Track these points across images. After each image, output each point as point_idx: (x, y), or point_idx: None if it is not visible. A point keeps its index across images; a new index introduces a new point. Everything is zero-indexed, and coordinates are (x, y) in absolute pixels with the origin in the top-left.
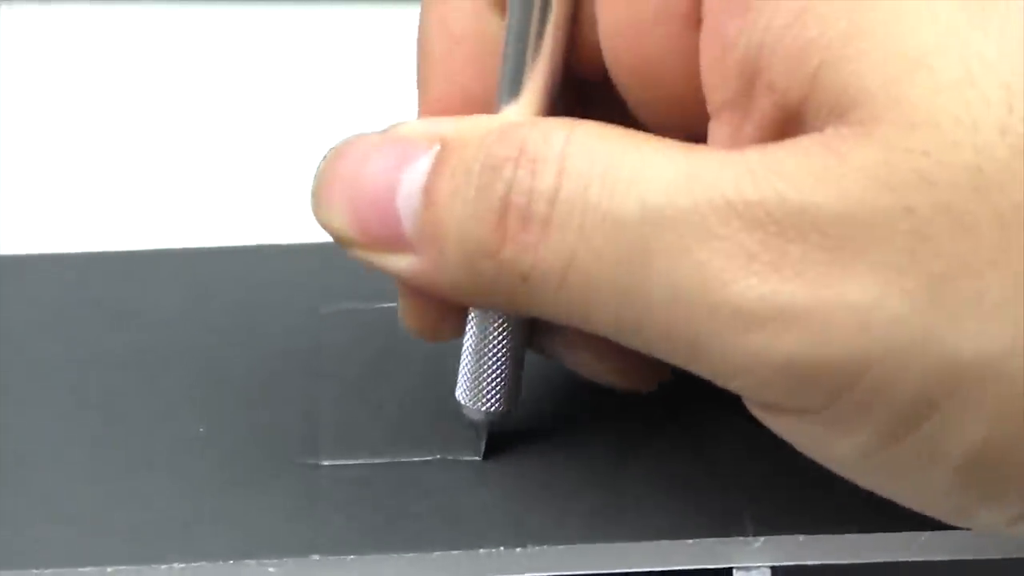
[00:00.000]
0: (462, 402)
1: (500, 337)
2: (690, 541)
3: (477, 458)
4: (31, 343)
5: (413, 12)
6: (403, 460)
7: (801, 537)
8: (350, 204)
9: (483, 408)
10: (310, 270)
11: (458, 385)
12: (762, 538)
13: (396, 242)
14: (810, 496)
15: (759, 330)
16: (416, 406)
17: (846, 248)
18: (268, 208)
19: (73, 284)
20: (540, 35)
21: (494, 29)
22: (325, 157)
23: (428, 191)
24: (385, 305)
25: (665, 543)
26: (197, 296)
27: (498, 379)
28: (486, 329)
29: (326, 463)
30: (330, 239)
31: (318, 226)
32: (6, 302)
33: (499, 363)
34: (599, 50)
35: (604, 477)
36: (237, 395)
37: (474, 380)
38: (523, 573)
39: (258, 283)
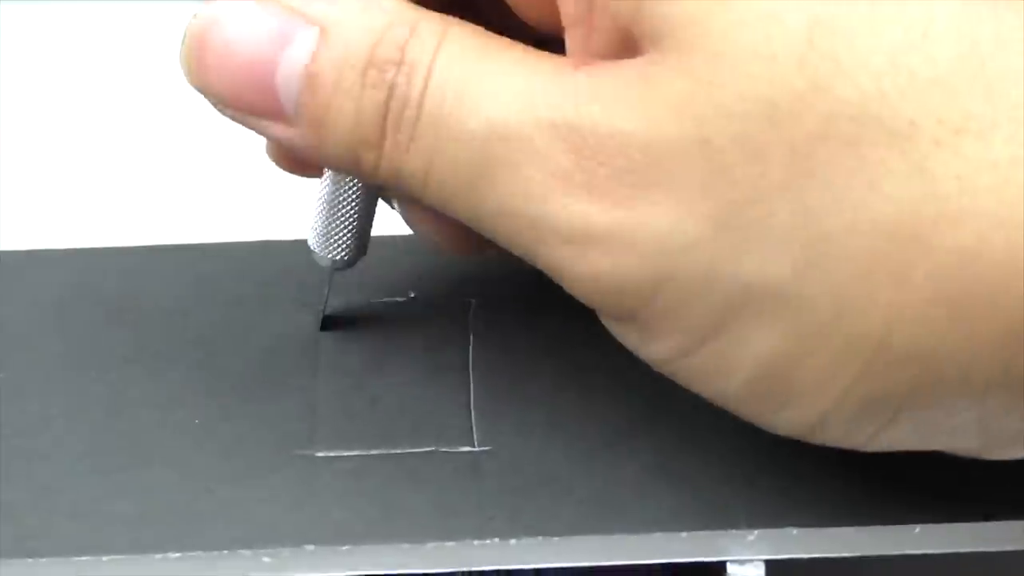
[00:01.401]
0: (312, 249)
1: (354, 191)
2: (684, 534)
3: (469, 448)
4: (32, 337)
5: None
6: (398, 452)
7: (795, 530)
8: (225, 73)
9: (330, 256)
10: (310, 265)
11: (309, 232)
12: (756, 531)
13: (274, 114)
14: (804, 489)
15: (570, 246)
16: (412, 399)
17: (648, 174)
18: (268, 204)
19: (74, 279)
20: None
21: None
22: (194, 20)
23: (311, 77)
24: (385, 300)
25: (659, 535)
26: (197, 291)
27: (348, 230)
28: (341, 182)
29: (322, 454)
30: None
31: None
32: (7, 297)
33: (350, 215)
34: None
35: (598, 469)
36: (235, 387)
37: (324, 229)
38: (516, 564)
39: (258, 278)
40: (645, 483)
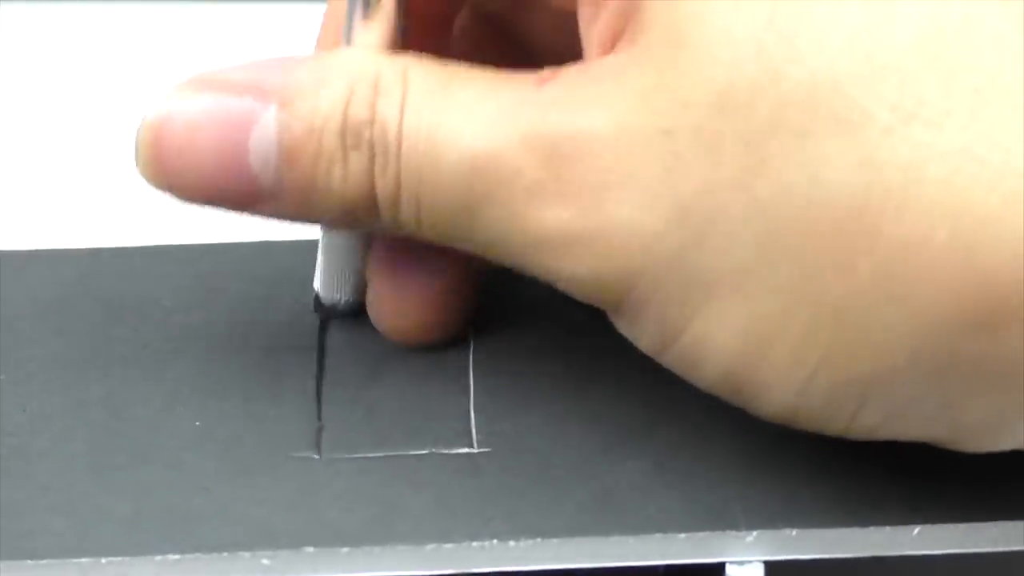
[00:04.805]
0: (317, 291)
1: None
2: (683, 535)
3: (468, 450)
4: (31, 337)
5: None
6: (398, 454)
7: (794, 531)
8: (190, 165)
9: (333, 297)
10: (312, 266)
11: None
12: (755, 532)
13: (252, 194)
14: (803, 490)
15: (552, 253)
16: (411, 401)
17: (613, 171)
18: None
19: (74, 279)
20: None
21: None
22: (144, 117)
23: (289, 150)
24: None
25: (657, 536)
26: (197, 291)
27: (344, 273)
28: (332, 233)
29: (321, 456)
30: None
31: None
32: (7, 297)
33: (346, 260)
34: None
35: (596, 470)
36: (235, 388)
37: (326, 273)
38: (515, 566)
39: (260, 279)
40: (644, 485)
